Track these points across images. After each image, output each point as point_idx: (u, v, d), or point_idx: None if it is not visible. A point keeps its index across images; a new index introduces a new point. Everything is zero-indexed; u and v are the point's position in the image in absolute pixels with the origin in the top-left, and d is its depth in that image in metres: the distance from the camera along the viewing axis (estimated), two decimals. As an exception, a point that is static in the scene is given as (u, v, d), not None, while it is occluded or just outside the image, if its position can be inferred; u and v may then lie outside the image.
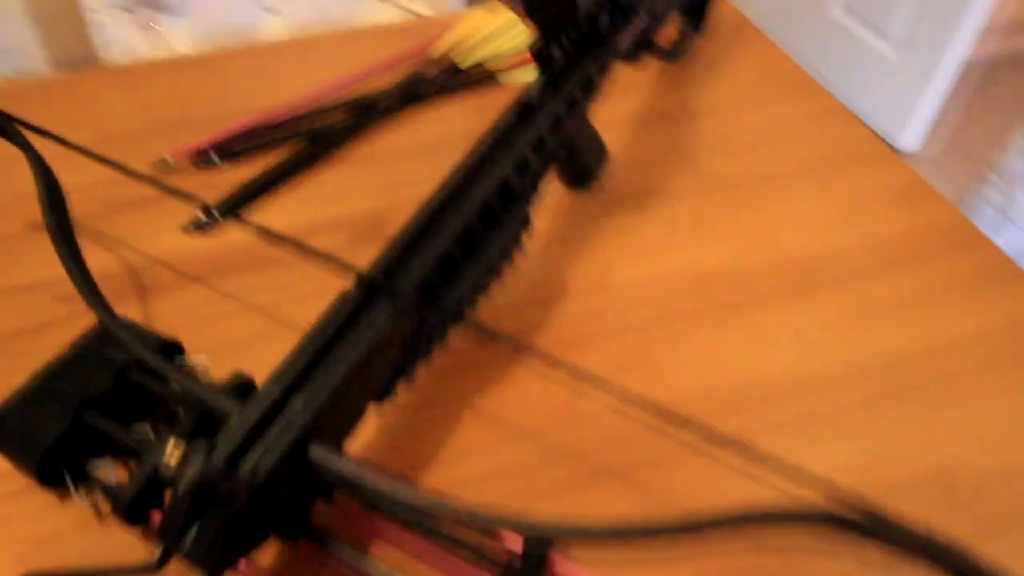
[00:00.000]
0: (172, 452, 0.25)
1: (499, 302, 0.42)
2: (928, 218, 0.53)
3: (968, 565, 0.26)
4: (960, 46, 1.64)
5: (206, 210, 0.47)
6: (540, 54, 0.40)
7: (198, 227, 0.48)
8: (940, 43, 1.66)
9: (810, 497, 0.31)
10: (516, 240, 0.42)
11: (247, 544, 0.30)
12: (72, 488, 0.35)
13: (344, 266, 0.32)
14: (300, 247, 0.32)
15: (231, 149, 0.53)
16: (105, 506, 0.36)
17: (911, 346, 0.45)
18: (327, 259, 0.32)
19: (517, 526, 0.29)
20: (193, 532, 0.27)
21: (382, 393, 0.35)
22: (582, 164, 0.48)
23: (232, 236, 0.49)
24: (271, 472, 0.27)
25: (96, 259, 0.43)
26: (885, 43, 1.79)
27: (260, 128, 0.54)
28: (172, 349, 0.38)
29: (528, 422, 0.40)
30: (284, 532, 0.32)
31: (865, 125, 0.60)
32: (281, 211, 0.49)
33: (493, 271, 0.40)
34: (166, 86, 0.63)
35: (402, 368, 0.36)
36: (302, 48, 0.68)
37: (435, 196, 0.36)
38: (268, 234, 0.33)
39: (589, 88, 0.44)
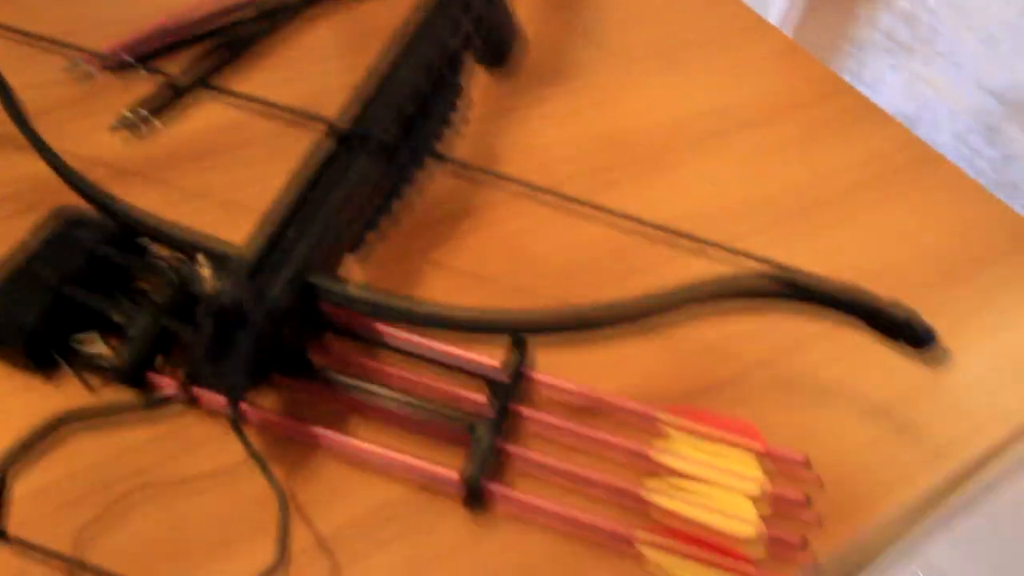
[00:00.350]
0: (203, 268, 0.27)
1: (436, 171, 0.45)
2: (801, 73, 0.59)
3: (872, 305, 0.33)
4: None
5: (134, 110, 0.47)
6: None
7: (128, 126, 0.48)
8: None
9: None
10: (454, 107, 0.45)
11: (257, 376, 0.33)
12: (63, 363, 0.36)
13: (316, 119, 0.34)
14: (274, 106, 0.34)
15: (144, 52, 0.53)
16: (94, 380, 0.37)
17: (800, 178, 0.51)
18: (303, 116, 0.34)
19: (502, 320, 0.32)
20: (219, 358, 0.29)
21: (355, 243, 0.38)
22: (500, 41, 0.51)
23: (163, 133, 0.49)
24: (282, 296, 0.30)
25: (27, 165, 0.43)
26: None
27: (172, 29, 0.54)
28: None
29: (486, 268, 0.44)
30: (285, 368, 0.35)
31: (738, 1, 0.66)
32: (207, 110, 0.50)
33: (439, 135, 0.43)
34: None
35: (370, 221, 0.39)
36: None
37: (386, 57, 0.38)
38: (244, 98, 0.35)
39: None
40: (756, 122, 0.55)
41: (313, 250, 0.31)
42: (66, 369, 0.36)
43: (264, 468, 0.31)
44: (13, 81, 0.46)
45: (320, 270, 0.33)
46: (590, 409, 0.38)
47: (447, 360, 0.37)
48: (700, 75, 0.58)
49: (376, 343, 0.36)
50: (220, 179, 0.47)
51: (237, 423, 0.29)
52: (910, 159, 0.53)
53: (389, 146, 0.36)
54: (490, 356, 0.37)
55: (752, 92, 0.57)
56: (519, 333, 0.34)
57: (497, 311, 0.32)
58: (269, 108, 0.48)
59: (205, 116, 0.50)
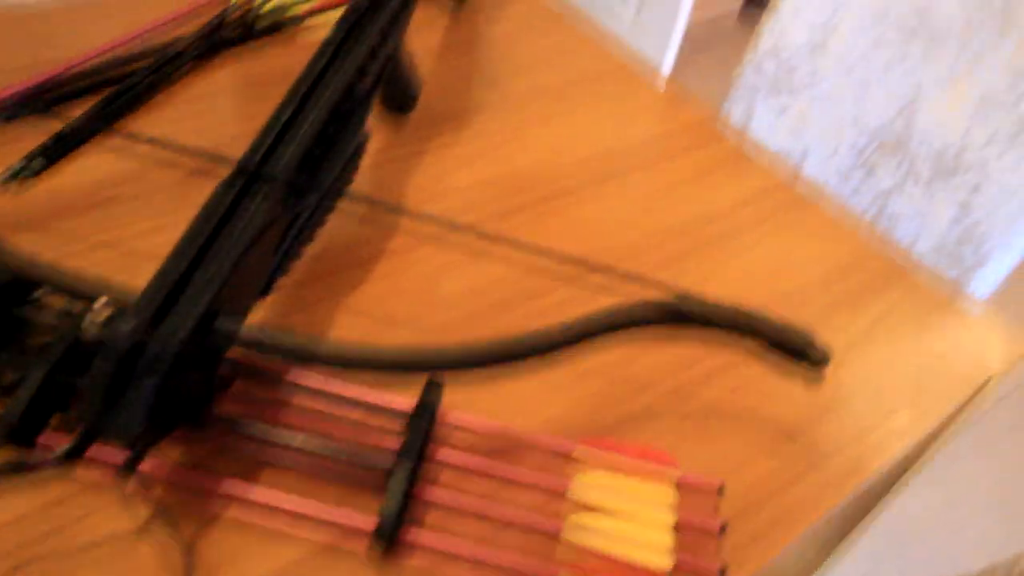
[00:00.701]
0: (101, 311, 0.26)
1: (344, 216, 0.45)
2: (688, 119, 0.62)
3: (771, 326, 0.34)
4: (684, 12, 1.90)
5: (27, 160, 0.45)
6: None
7: (19, 177, 0.46)
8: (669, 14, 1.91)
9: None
10: (360, 150, 0.45)
11: (159, 428, 0.31)
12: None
13: (219, 160, 0.34)
14: (173, 147, 0.33)
15: (39, 101, 0.51)
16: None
17: (697, 213, 0.53)
18: (205, 157, 0.33)
19: (415, 357, 0.32)
20: (118, 407, 0.28)
21: (265, 288, 0.37)
22: (402, 86, 0.52)
23: (58, 183, 0.47)
24: (187, 338, 0.29)
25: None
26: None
27: (67, 78, 0.52)
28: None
29: (397, 310, 0.43)
30: (189, 420, 0.33)
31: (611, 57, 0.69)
32: (103, 160, 0.49)
33: (346, 177, 0.43)
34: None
35: (278, 265, 0.38)
36: (75, 10, 0.64)
37: (290, 100, 0.38)
38: (144, 141, 0.34)
39: (406, 6, 0.48)
40: (647, 163, 0.57)
41: (219, 293, 0.30)
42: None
43: (166, 523, 0.29)
44: None
45: (227, 313, 0.32)
46: (506, 447, 0.38)
47: (360, 404, 0.36)
48: (592, 120, 0.60)
49: (284, 390, 0.35)
50: (119, 228, 0.45)
51: (133, 471, 0.28)
52: (792, 199, 0.56)
53: (295, 187, 0.36)
54: (403, 398, 0.37)
55: (641, 135, 0.60)
56: (422, 370, 0.33)
57: (403, 349, 0.32)
58: (167, 156, 0.47)
59: (101, 165, 0.48)
